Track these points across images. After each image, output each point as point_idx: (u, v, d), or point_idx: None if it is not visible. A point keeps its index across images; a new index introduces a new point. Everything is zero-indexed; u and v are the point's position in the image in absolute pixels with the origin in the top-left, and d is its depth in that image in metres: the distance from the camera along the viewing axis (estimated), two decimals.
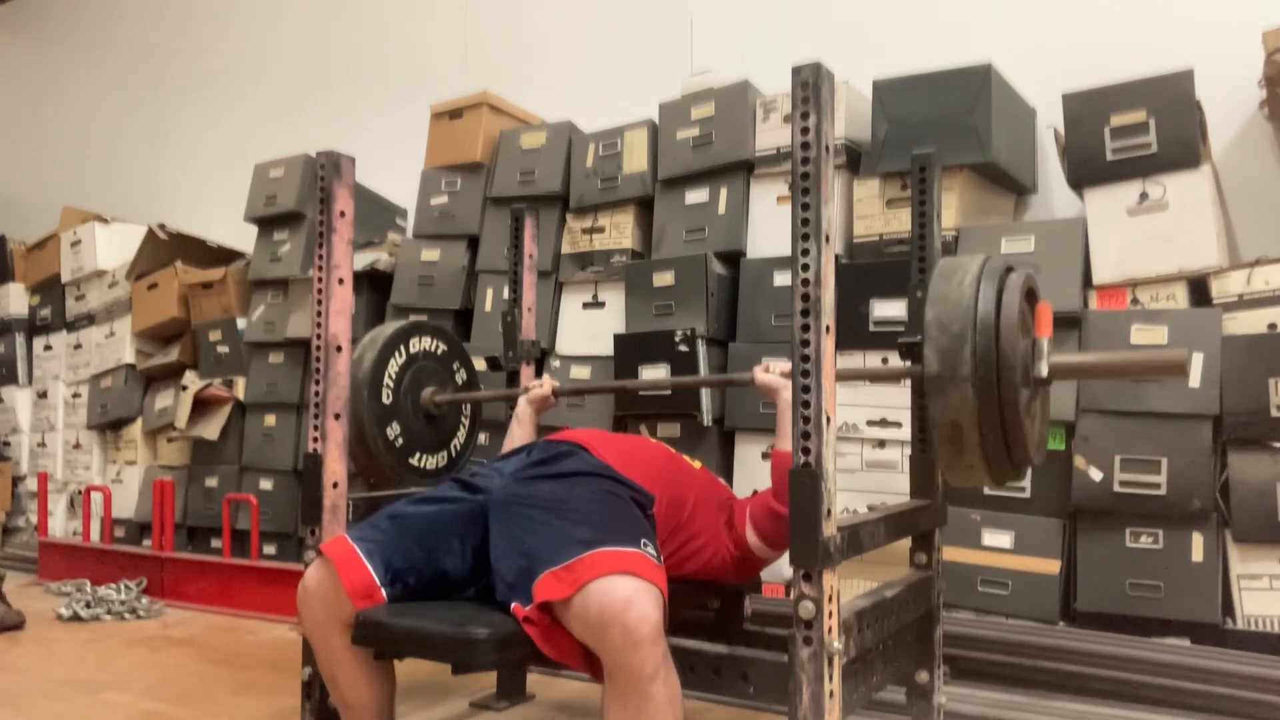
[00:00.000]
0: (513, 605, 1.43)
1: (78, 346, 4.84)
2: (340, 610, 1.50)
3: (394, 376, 2.17)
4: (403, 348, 2.21)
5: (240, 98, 5.47)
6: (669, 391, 2.77)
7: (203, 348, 4.18)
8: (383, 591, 1.49)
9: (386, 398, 2.15)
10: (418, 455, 2.25)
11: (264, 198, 3.98)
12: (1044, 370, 1.58)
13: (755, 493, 1.88)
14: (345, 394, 1.82)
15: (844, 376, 1.54)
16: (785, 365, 1.85)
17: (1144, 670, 2.08)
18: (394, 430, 2.17)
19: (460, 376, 2.36)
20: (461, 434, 2.38)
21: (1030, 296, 1.63)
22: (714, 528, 1.81)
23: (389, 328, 2.24)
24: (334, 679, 1.59)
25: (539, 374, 2.37)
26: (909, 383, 2.02)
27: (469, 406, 2.39)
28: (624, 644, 1.30)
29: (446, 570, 1.56)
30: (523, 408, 2.23)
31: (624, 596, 1.32)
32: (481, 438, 3.21)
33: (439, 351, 2.31)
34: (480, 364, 3.15)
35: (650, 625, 1.31)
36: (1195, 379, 2.24)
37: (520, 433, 2.20)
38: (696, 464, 1.93)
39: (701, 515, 1.79)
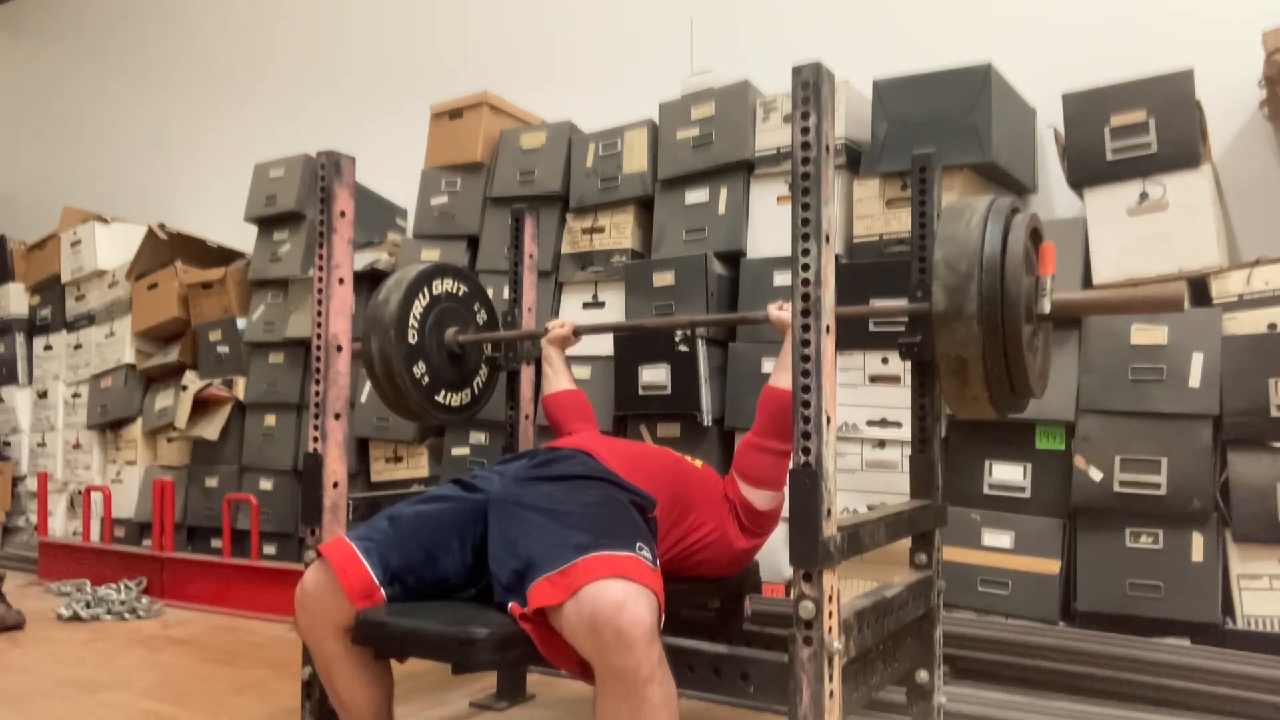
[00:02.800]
0: (510, 605, 1.43)
1: (78, 346, 4.84)
2: (338, 611, 1.50)
3: (419, 317, 2.25)
4: (426, 289, 2.28)
5: (240, 98, 5.47)
6: (669, 391, 2.77)
7: (203, 348, 4.18)
8: (381, 591, 1.49)
9: (412, 338, 2.23)
10: (443, 393, 2.33)
11: (264, 198, 3.98)
12: (1047, 307, 1.65)
13: None
14: (345, 394, 1.82)
15: (851, 315, 1.63)
16: None
17: (1144, 670, 2.08)
18: (420, 369, 2.25)
19: (481, 317, 2.44)
20: (483, 372, 2.45)
21: (1035, 236, 1.68)
22: (718, 514, 1.83)
23: (413, 270, 2.30)
24: (331, 681, 1.59)
25: (539, 374, 2.38)
26: (909, 382, 2.02)
27: (490, 345, 2.45)
28: (617, 647, 1.30)
29: (445, 571, 1.56)
30: (548, 351, 2.29)
31: (616, 600, 1.31)
32: (482, 437, 3.22)
33: (460, 293, 2.39)
34: None
35: (643, 627, 1.30)
36: (1195, 379, 2.24)
37: (553, 375, 2.27)
38: (698, 463, 1.94)
39: (704, 507, 1.81)
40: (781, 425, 1.80)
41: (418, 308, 2.25)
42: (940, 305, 1.56)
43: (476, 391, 2.43)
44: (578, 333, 2.30)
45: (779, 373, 1.86)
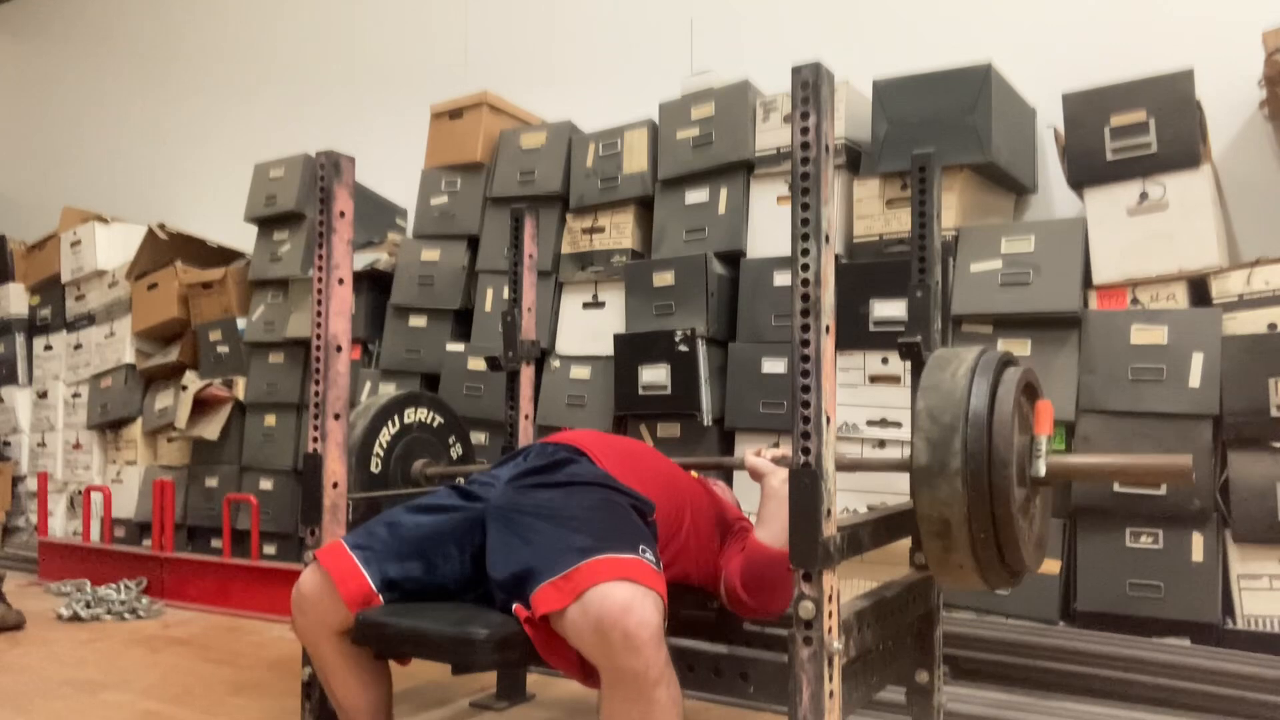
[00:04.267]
0: (514, 606, 1.42)
1: (78, 346, 4.84)
2: (334, 617, 1.50)
3: (384, 446, 2.16)
4: (396, 418, 2.20)
5: (240, 98, 5.47)
6: (669, 391, 2.77)
7: (203, 348, 4.18)
8: (380, 599, 1.49)
9: (375, 467, 2.14)
10: None
11: (264, 198, 3.98)
12: (1042, 469, 1.51)
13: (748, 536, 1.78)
14: (345, 394, 1.82)
15: (842, 467, 1.43)
16: (777, 451, 1.80)
17: (1144, 670, 2.08)
18: None
19: (455, 450, 2.34)
20: None
21: (1030, 392, 1.57)
22: (708, 552, 1.76)
23: (384, 396, 2.23)
24: (329, 682, 1.59)
25: (539, 374, 2.36)
26: (909, 382, 2.01)
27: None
28: (625, 649, 1.29)
29: (443, 578, 1.55)
30: None
31: (622, 602, 1.31)
32: (482, 437, 3.22)
33: (435, 424, 2.29)
34: (480, 364, 3.16)
35: (651, 630, 1.31)
36: (1195, 379, 2.24)
37: None
38: (694, 473, 1.92)
39: (697, 534, 1.74)
40: (754, 580, 1.65)
41: (385, 435, 2.16)
42: (921, 458, 1.42)
43: None
44: None
45: (759, 524, 1.68)
